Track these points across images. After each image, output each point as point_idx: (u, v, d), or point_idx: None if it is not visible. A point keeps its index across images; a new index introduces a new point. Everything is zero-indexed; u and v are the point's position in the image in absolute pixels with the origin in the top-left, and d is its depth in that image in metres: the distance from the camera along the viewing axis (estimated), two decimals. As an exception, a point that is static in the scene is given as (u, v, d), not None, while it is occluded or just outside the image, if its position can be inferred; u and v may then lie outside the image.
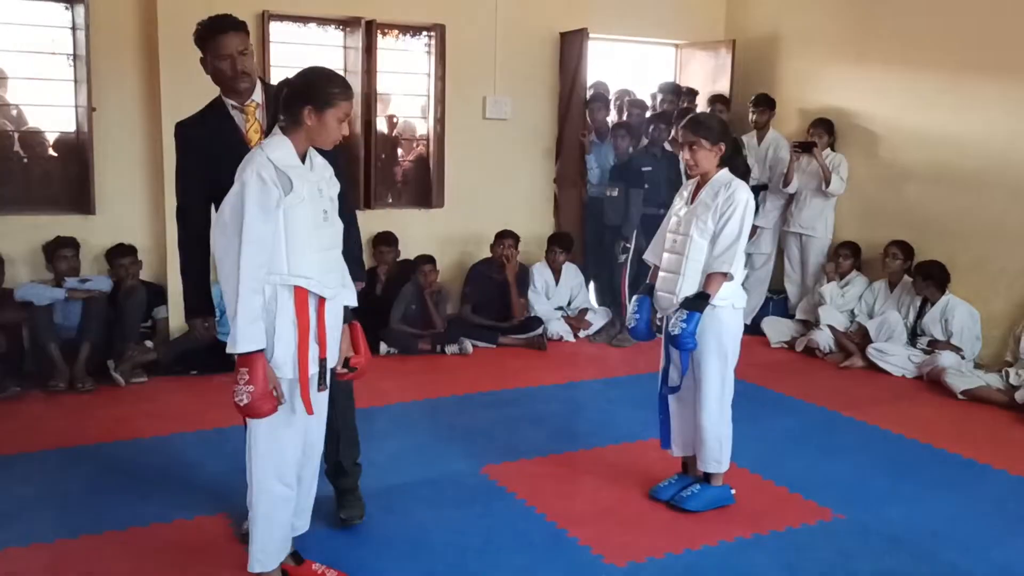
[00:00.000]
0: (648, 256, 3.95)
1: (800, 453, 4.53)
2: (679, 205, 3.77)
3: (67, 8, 5.68)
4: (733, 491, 3.84)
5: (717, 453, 3.75)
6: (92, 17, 5.61)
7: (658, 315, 3.80)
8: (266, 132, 3.01)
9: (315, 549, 3.38)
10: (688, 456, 3.91)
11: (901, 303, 6.22)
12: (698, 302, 3.55)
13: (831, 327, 6.38)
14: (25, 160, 5.90)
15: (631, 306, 3.88)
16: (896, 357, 5.97)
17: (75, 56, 5.71)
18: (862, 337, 6.22)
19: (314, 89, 2.79)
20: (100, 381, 5.26)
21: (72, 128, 5.83)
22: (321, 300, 2.85)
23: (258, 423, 2.86)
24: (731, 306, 3.66)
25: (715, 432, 3.72)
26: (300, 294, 2.80)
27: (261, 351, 2.74)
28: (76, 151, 5.84)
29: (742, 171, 3.74)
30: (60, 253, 5.43)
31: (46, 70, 5.86)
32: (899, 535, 3.63)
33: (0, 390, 5.03)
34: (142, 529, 3.51)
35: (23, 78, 5.83)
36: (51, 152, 5.96)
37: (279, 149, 2.76)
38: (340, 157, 3.29)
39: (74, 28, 5.68)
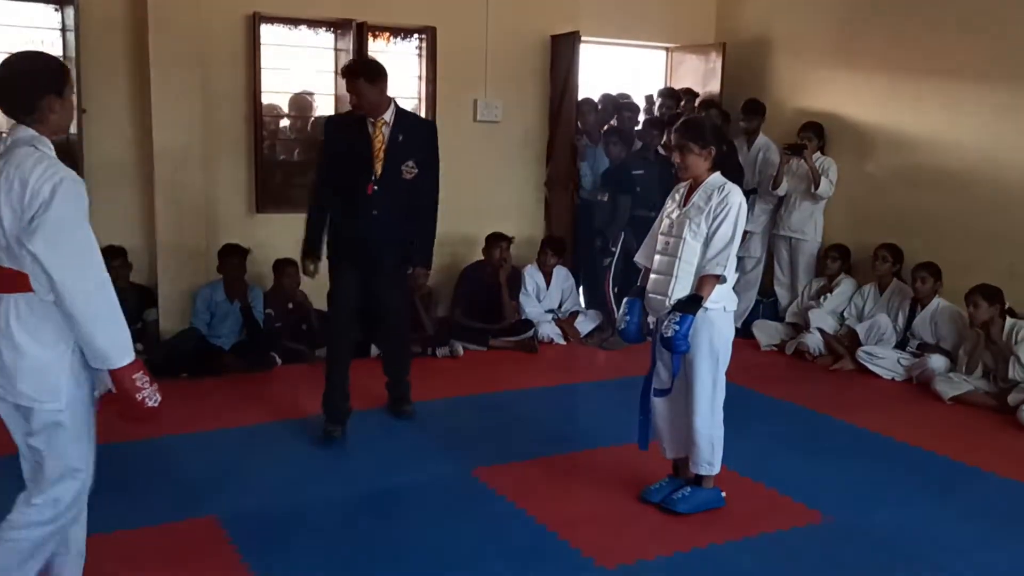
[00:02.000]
0: (639, 258, 3.96)
1: (790, 456, 4.54)
2: (671, 207, 3.78)
3: (57, 10, 5.67)
4: (723, 494, 3.84)
5: (709, 455, 3.75)
6: (82, 19, 5.59)
7: (649, 317, 3.80)
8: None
9: (305, 555, 3.37)
10: (679, 458, 3.92)
11: (891, 306, 6.25)
12: (691, 305, 3.55)
13: (821, 330, 6.40)
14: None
15: (622, 308, 3.88)
16: (886, 360, 5.99)
17: (65, 58, 5.68)
18: (852, 340, 6.24)
19: (52, 75, 2.54)
20: (89, 384, 5.22)
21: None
22: None
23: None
24: (723, 308, 3.67)
25: (707, 434, 3.72)
26: None
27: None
28: (66, 153, 5.79)
29: (735, 174, 3.77)
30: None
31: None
32: (889, 537, 3.64)
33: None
34: (130, 532, 3.49)
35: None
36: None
37: (51, 149, 2.53)
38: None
39: (64, 30, 5.67)
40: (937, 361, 5.73)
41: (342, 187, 4.47)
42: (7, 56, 2.57)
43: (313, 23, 6.42)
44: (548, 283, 6.94)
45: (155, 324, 5.88)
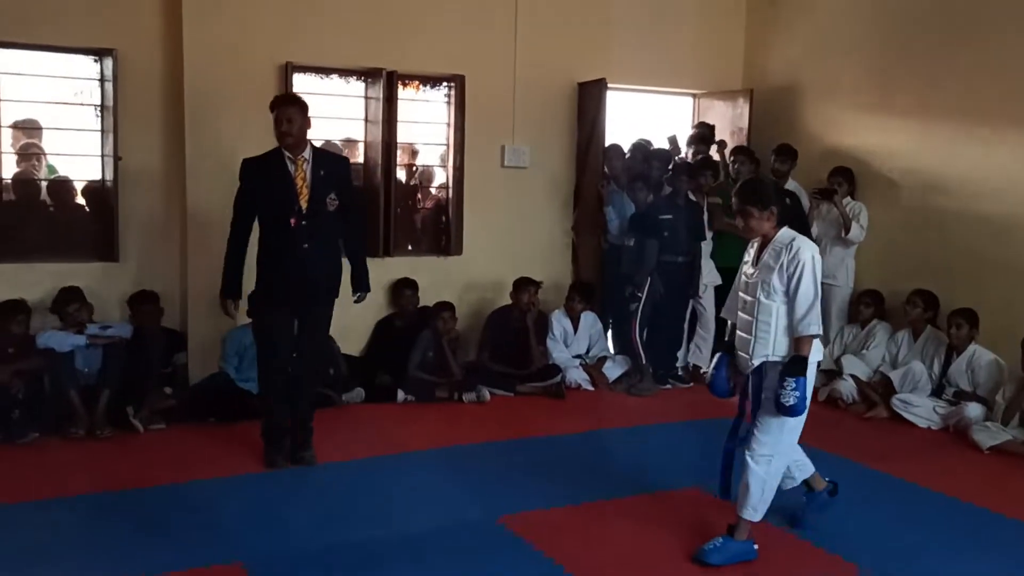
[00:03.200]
0: (724, 314, 4.08)
1: (824, 506, 4.43)
2: (747, 264, 3.86)
3: (96, 60, 5.81)
4: (756, 547, 3.76)
5: (757, 499, 3.73)
6: (120, 69, 5.73)
7: (736, 373, 3.86)
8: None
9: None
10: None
11: (925, 353, 6.14)
12: (798, 367, 3.60)
13: (854, 377, 6.30)
14: (52, 208, 5.99)
15: (712, 362, 3.98)
16: (921, 408, 5.88)
17: (103, 107, 5.83)
18: (886, 387, 6.13)
19: None
20: (119, 428, 5.26)
21: (99, 177, 5.93)
22: None
23: None
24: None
25: (761, 478, 3.73)
26: None
27: None
28: (102, 200, 5.93)
29: (802, 226, 3.80)
30: (65, 310, 5.39)
31: (75, 120, 5.97)
32: (926, 591, 3.54)
33: (19, 436, 5.05)
34: (156, 578, 3.48)
35: (53, 128, 5.95)
36: (78, 200, 6.06)
37: None
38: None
39: (102, 80, 5.81)
40: (974, 410, 5.61)
41: (269, 225, 4.64)
42: None
43: (344, 72, 6.54)
44: (576, 328, 6.91)
45: (184, 368, 5.92)
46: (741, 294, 3.83)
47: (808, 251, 3.65)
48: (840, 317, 6.81)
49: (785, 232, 3.73)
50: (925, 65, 6.49)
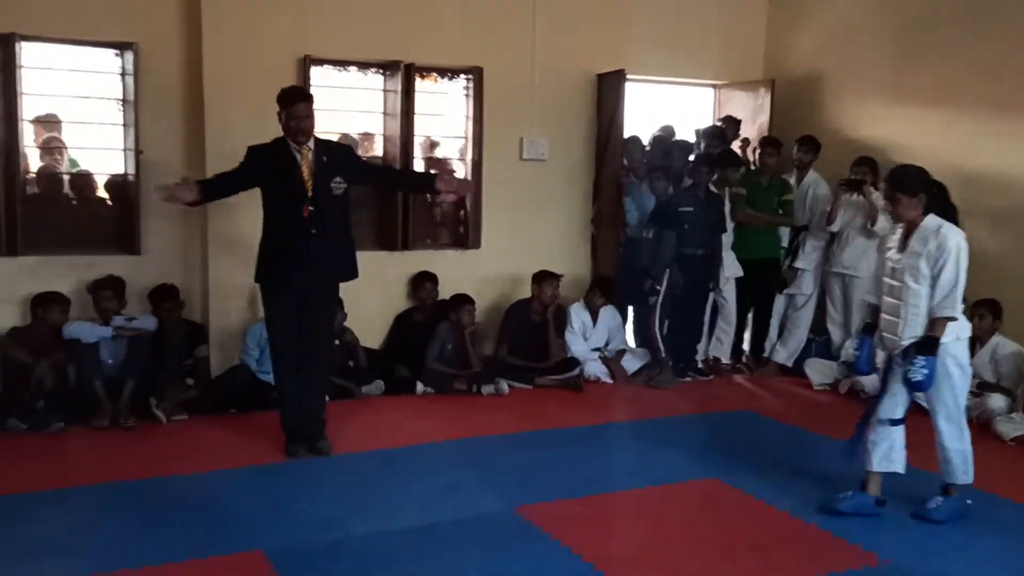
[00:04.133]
0: (868, 297, 4.40)
1: (844, 497, 4.41)
2: (892, 250, 4.06)
3: (117, 55, 5.86)
4: (970, 502, 4.10)
5: (963, 468, 4.06)
6: (141, 63, 5.78)
7: (882, 354, 4.19)
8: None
9: (348, 588, 3.36)
10: (871, 473, 4.16)
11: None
12: (931, 347, 3.88)
13: (877, 369, 6.24)
14: (74, 202, 6.05)
15: (852, 343, 4.29)
16: (943, 400, 5.82)
17: (124, 101, 5.87)
18: (908, 379, 6.08)
19: None
20: (142, 418, 5.31)
21: (120, 170, 5.98)
22: None
23: None
24: (956, 338, 3.97)
25: (959, 449, 4.06)
26: None
27: None
28: (124, 193, 5.99)
29: (951, 214, 4.02)
30: (102, 294, 5.51)
31: (97, 114, 6.03)
32: (948, 582, 3.51)
33: (44, 426, 5.11)
34: (178, 565, 3.51)
35: (75, 122, 6.01)
36: (101, 194, 6.12)
37: None
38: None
39: (123, 74, 5.85)
40: (997, 401, 5.56)
41: (276, 213, 4.72)
42: None
43: (362, 65, 6.55)
44: (595, 322, 6.90)
45: (206, 360, 5.96)
46: (887, 279, 4.05)
47: (955, 238, 3.86)
48: (861, 309, 6.73)
49: (932, 219, 3.92)
50: (948, 54, 6.42)
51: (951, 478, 4.10)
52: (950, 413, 4.04)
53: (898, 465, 4.17)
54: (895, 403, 4.12)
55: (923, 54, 6.59)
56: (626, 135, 7.15)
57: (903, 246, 4.00)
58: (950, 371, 3.98)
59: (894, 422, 4.12)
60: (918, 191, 3.94)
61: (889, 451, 4.15)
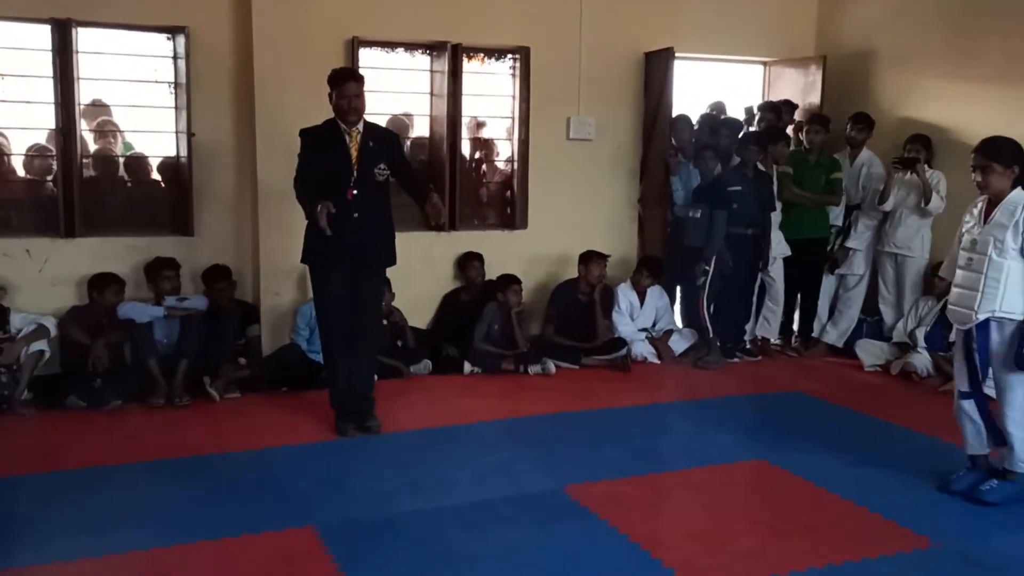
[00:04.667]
0: (944, 273, 4.35)
1: (895, 479, 4.36)
2: (970, 223, 3.99)
3: (169, 39, 5.95)
4: None
5: (1023, 453, 3.94)
6: (192, 47, 5.86)
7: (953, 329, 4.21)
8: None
9: (399, 565, 3.41)
10: (979, 454, 4.12)
11: (1004, 325, 5.95)
12: None
13: (929, 350, 6.15)
14: (129, 184, 6.18)
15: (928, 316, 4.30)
16: (999, 382, 5.71)
17: (176, 84, 5.97)
18: (962, 361, 5.97)
19: None
20: (196, 396, 5.43)
21: (173, 153, 6.09)
22: None
23: None
24: None
25: (1020, 435, 3.94)
26: None
27: None
28: (177, 175, 6.10)
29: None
30: (163, 274, 5.65)
31: (150, 98, 6.14)
32: (1001, 565, 3.47)
33: (103, 403, 5.25)
34: (233, 539, 3.59)
35: (129, 106, 6.13)
36: (154, 176, 6.24)
37: None
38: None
39: (175, 57, 5.94)
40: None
41: (324, 193, 4.68)
42: None
43: (410, 46, 6.57)
44: (642, 302, 6.87)
45: (258, 340, 6.07)
46: (964, 252, 3.96)
47: None
48: (915, 289, 6.62)
49: (1019, 192, 3.85)
50: (1006, 29, 6.23)
51: (1011, 464, 4.01)
52: (1018, 397, 3.93)
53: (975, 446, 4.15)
54: (961, 376, 4.11)
55: (982, 28, 6.40)
56: (674, 114, 7.08)
57: (985, 219, 3.92)
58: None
59: (964, 395, 4.09)
60: (1012, 162, 3.85)
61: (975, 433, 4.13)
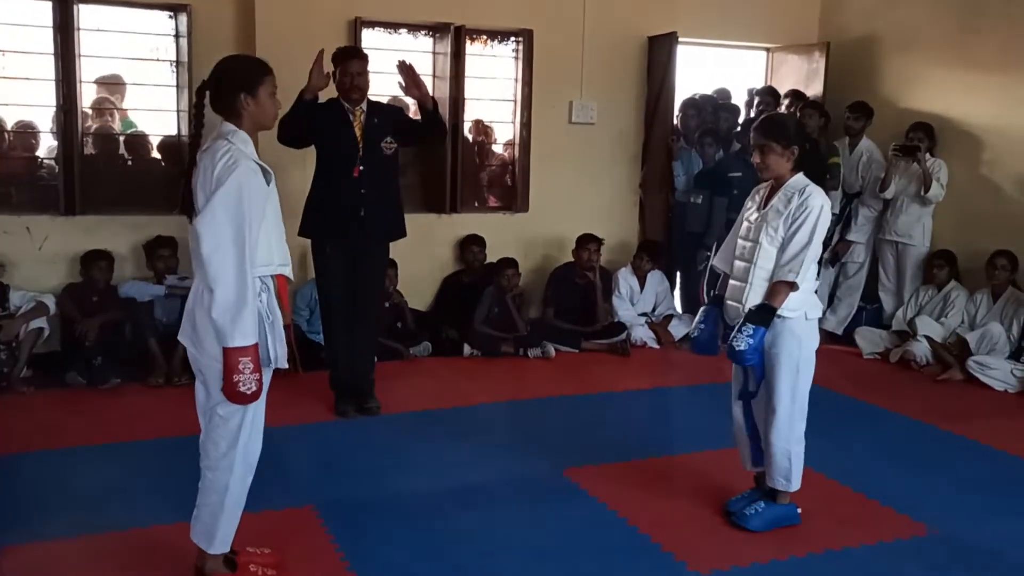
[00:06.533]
0: (717, 262, 3.80)
1: (894, 466, 4.38)
2: (751, 210, 3.62)
3: (171, 17, 5.92)
4: (799, 510, 3.65)
5: (785, 470, 3.56)
6: (194, 25, 5.82)
7: (728, 326, 3.63)
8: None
9: (397, 544, 3.42)
10: (759, 471, 3.75)
11: (1004, 314, 5.96)
12: (763, 315, 3.37)
13: (929, 338, 6.15)
14: (129, 162, 6.16)
15: (698, 316, 3.80)
16: (998, 371, 5.72)
17: (178, 63, 5.94)
18: (961, 349, 5.98)
19: (240, 75, 2.91)
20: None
21: (174, 132, 6.06)
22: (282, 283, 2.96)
23: (248, 411, 2.95)
24: (803, 316, 3.47)
25: (784, 448, 3.54)
26: (280, 281, 2.94)
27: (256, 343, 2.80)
28: (177, 154, 6.07)
29: (818, 174, 3.58)
30: (159, 252, 5.64)
31: (152, 76, 6.11)
32: (998, 551, 3.49)
33: (101, 382, 5.26)
34: (232, 518, 3.60)
35: (130, 83, 6.09)
36: (155, 155, 6.21)
37: (247, 144, 2.86)
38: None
39: (177, 36, 5.91)
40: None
41: (328, 172, 4.76)
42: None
43: (412, 27, 6.53)
44: (642, 286, 6.87)
45: (258, 320, 6.05)
46: (740, 240, 3.58)
47: (819, 199, 3.40)
48: (915, 278, 6.63)
49: (799, 177, 3.48)
50: (1008, 18, 6.22)
51: (771, 481, 3.59)
52: (782, 403, 3.49)
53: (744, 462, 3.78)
54: (736, 380, 3.71)
55: (985, 17, 6.38)
56: (680, 99, 7.05)
57: (764, 204, 3.52)
58: (793, 356, 3.46)
59: (749, 395, 3.65)
60: (792, 142, 3.43)
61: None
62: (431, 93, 6.58)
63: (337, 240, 4.79)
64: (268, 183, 2.87)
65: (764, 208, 3.53)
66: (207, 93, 2.90)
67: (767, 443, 3.58)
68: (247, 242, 2.72)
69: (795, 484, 3.59)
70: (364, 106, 4.79)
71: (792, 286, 3.38)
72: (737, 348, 3.36)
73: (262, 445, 3.11)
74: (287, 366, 3.06)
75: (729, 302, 3.60)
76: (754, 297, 3.46)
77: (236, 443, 2.98)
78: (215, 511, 2.99)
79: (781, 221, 3.43)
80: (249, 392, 2.82)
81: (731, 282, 3.62)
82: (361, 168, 4.71)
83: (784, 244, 3.41)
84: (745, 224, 3.61)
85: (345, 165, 4.70)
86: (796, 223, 3.40)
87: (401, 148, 4.92)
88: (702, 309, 3.79)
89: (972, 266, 6.32)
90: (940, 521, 3.72)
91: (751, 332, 3.34)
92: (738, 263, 3.59)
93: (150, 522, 3.55)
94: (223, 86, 2.88)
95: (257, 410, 3.01)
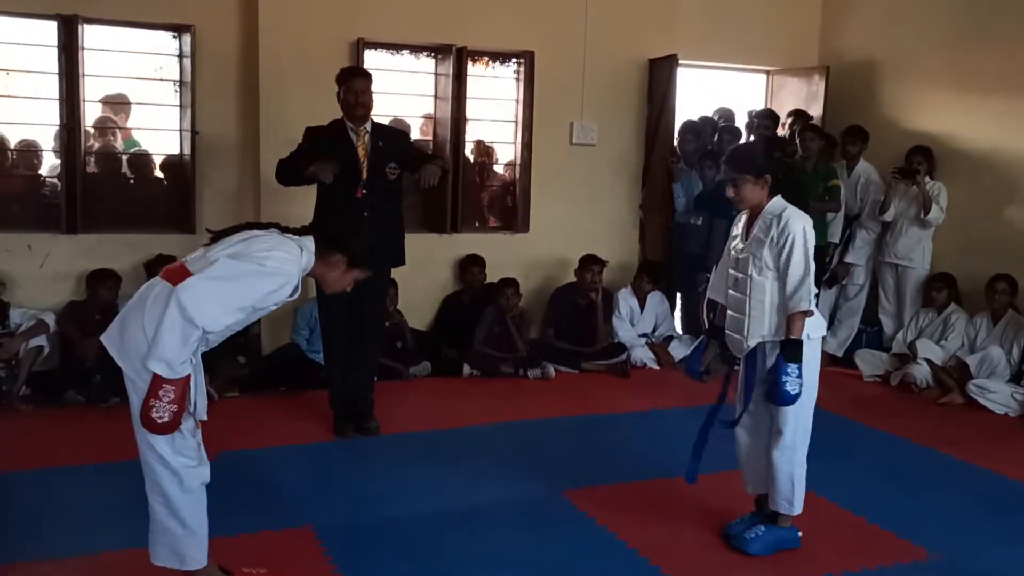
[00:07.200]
0: (712, 294, 3.81)
1: (894, 490, 4.36)
2: (736, 239, 3.62)
3: (174, 37, 5.95)
4: (800, 534, 3.64)
5: (788, 493, 3.55)
6: (198, 45, 5.86)
7: (732, 356, 3.66)
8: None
9: (395, 565, 3.41)
10: (761, 494, 3.75)
11: (1005, 338, 5.96)
12: (797, 350, 3.38)
13: (929, 361, 6.15)
14: (132, 181, 6.18)
15: (694, 345, 3.80)
16: (998, 394, 5.72)
17: (181, 82, 5.97)
18: (961, 372, 5.97)
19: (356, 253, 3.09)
20: (195, 395, 5.41)
21: (177, 151, 6.08)
22: None
23: (164, 439, 2.91)
24: (806, 336, 3.45)
25: (787, 471, 3.53)
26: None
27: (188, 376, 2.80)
28: (180, 173, 6.09)
29: (794, 195, 3.59)
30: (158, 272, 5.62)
31: (155, 95, 6.14)
32: (999, 577, 3.46)
33: (101, 400, 5.25)
34: (230, 539, 3.57)
35: (133, 103, 6.13)
36: (157, 173, 6.23)
37: (307, 265, 2.99)
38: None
39: (181, 56, 5.95)
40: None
41: (330, 195, 4.70)
42: None
43: (415, 48, 6.57)
44: (642, 307, 6.87)
45: (257, 339, 6.06)
46: (731, 271, 3.57)
47: (799, 222, 3.39)
48: (915, 300, 6.63)
49: (776, 202, 3.46)
50: (1007, 42, 6.26)
51: (773, 504, 3.58)
52: (788, 425, 3.49)
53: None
54: (740, 404, 3.71)
55: (984, 40, 6.42)
56: (680, 120, 7.09)
57: (746, 234, 3.51)
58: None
59: (729, 424, 3.70)
60: (763, 170, 3.43)
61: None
62: (432, 114, 6.68)
63: None
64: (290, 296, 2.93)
65: (747, 239, 3.52)
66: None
67: (771, 466, 3.56)
68: (245, 305, 2.82)
69: (797, 508, 3.58)
70: (369, 127, 4.78)
71: (807, 313, 3.39)
72: (793, 392, 3.36)
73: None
74: (205, 418, 3.07)
75: (731, 333, 3.59)
76: (755, 328, 3.46)
77: (170, 469, 2.96)
78: (174, 534, 3.03)
79: (766, 250, 3.43)
80: (160, 421, 2.80)
81: (729, 313, 3.61)
82: (364, 192, 4.70)
83: (783, 276, 3.40)
84: (732, 254, 3.61)
85: (347, 188, 4.68)
86: (785, 253, 3.38)
87: (404, 173, 4.90)
88: (699, 339, 3.80)
89: (972, 289, 6.32)
90: (940, 546, 3.70)
91: (797, 372, 3.36)
92: (732, 293, 3.58)
93: (147, 543, 3.51)
94: None
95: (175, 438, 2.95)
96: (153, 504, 2.99)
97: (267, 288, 2.82)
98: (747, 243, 3.51)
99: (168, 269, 2.91)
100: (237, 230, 2.99)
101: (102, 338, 2.95)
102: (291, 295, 2.91)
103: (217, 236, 2.99)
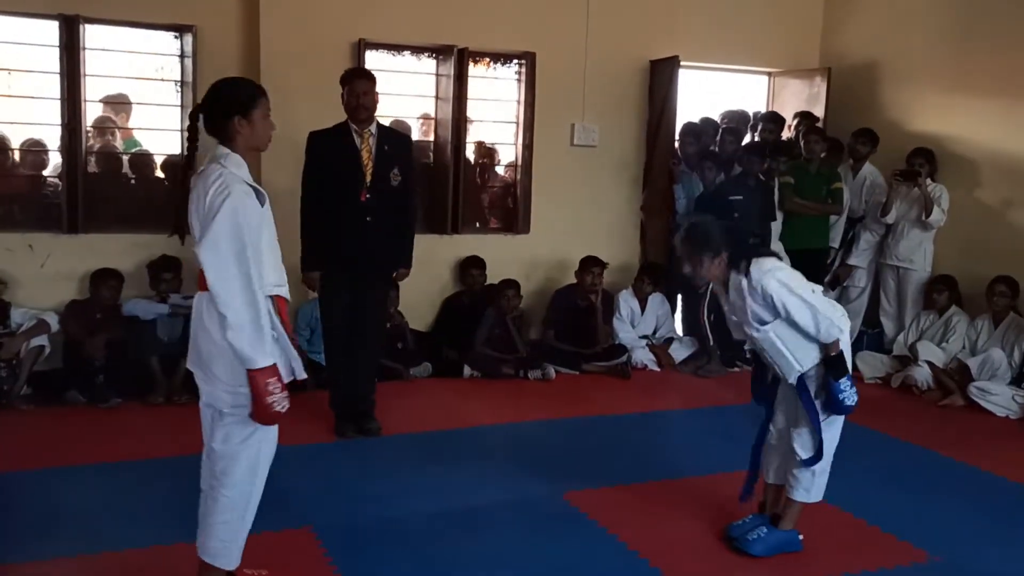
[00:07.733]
0: (736, 333, 3.75)
1: (894, 492, 4.36)
2: (725, 304, 3.64)
3: (176, 37, 5.96)
4: (801, 537, 3.64)
5: (808, 481, 3.57)
6: (199, 45, 5.86)
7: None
8: None
9: (395, 566, 3.40)
10: (768, 495, 3.75)
11: (1006, 340, 5.96)
12: (840, 369, 3.46)
13: (930, 363, 6.14)
14: (133, 181, 6.18)
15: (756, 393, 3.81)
16: (999, 397, 5.71)
17: (182, 83, 5.97)
18: (963, 375, 5.97)
19: (234, 97, 2.91)
20: (195, 395, 5.37)
21: (178, 151, 6.08)
22: (281, 304, 2.94)
23: (268, 430, 2.96)
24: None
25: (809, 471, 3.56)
26: (280, 303, 2.91)
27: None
28: (176, 175, 6.09)
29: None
30: (162, 275, 5.62)
31: (156, 96, 6.14)
32: (1000, 581, 3.46)
33: (102, 400, 5.25)
34: (230, 539, 3.58)
35: (135, 103, 6.13)
36: (158, 174, 6.24)
37: (240, 167, 2.87)
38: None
39: (182, 56, 5.95)
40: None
41: (335, 197, 4.68)
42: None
43: (416, 49, 6.58)
44: (643, 309, 6.87)
45: (258, 339, 6.05)
46: (735, 319, 3.60)
47: (770, 279, 3.37)
48: (916, 303, 6.63)
49: (734, 277, 3.46)
50: (1009, 44, 6.26)
51: (791, 491, 3.61)
52: (810, 423, 3.56)
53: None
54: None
55: (986, 42, 6.42)
56: (681, 122, 7.09)
57: (728, 300, 3.57)
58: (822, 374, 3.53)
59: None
60: (719, 248, 3.43)
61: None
62: (434, 115, 6.67)
63: (341, 266, 4.77)
64: (263, 204, 2.86)
65: (729, 303, 3.56)
66: (201, 116, 2.91)
67: (794, 455, 3.57)
68: (251, 265, 2.73)
69: (815, 496, 3.60)
70: (374, 129, 4.75)
71: (837, 339, 3.43)
72: (853, 404, 3.52)
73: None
74: (305, 375, 3.07)
75: (775, 369, 3.58)
76: (787, 369, 3.46)
77: (257, 459, 3.03)
78: (235, 527, 3.01)
79: (748, 313, 3.44)
80: (283, 410, 2.84)
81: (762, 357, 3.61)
82: (368, 196, 4.68)
83: (795, 323, 3.39)
84: (727, 310, 3.64)
85: (351, 190, 4.66)
86: (781, 309, 3.38)
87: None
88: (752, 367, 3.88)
89: (973, 291, 6.32)
90: (941, 548, 3.70)
91: (849, 383, 3.48)
92: (750, 344, 3.62)
93: (149, 542, 3.53)
94: (217, 109, 2.89)
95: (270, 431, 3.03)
96: (227, 499, 3.03)
97: (232, 216, 2.72)
98: (731, 307, 3.56)
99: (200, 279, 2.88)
100: None
101: (189, 366, 2.99)
102: (261, 203, 2.85)
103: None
